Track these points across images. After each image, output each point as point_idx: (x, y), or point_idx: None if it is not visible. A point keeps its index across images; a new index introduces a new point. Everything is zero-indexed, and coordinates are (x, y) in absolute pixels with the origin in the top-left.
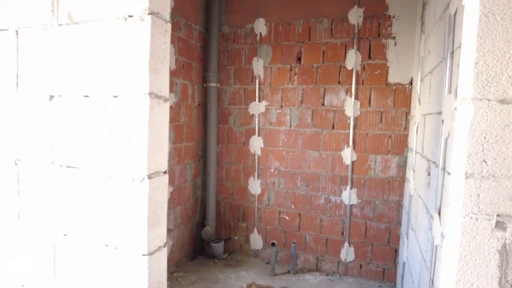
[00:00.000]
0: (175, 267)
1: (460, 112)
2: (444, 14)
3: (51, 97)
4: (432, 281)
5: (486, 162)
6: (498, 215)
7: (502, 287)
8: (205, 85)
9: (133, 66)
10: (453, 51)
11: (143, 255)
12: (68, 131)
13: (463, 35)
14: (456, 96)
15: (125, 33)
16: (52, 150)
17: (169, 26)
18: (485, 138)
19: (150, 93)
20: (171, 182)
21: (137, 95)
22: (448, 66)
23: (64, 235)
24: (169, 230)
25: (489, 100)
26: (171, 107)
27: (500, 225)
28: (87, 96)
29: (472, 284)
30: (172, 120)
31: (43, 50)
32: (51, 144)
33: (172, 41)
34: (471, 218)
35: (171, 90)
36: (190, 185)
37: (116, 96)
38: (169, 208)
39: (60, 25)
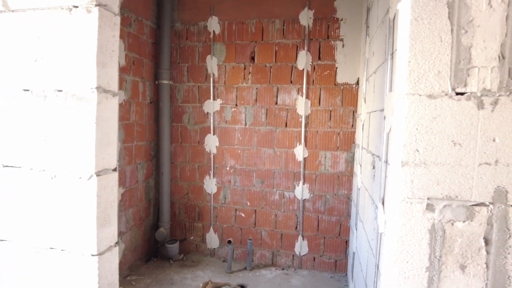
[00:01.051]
0: (129, 271)
1: (396, 106)
2: (385, 19)
3: None
4: (378, 267)
5: (418, 151)
6: (428, 198)
7: (431, 262)
8: (157, 82)
9: (80, 59)
10: (393, 53)
11: (93, 255)
12: (5, 128)
13: (398, 37)
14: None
15: (70, 24)
16: None
17: (118, 19)
18: (417, 129)
19: (97, 87)
20: (121, 183)
21: (84, 89)
22: (389, 67)
23: (2, 240)
24: (121, 233)
25: (420, 95)
26: (120, 105)
27: (430, 207)
28: (27, 90)
29: (407, 262)
30: (122, 118)
31: None
32: None
33: (121, 37)
34: (407, 203)
35: (120, 87)
36: (143, 186)
37: (60, 90)
38: (120, 211)
39: None
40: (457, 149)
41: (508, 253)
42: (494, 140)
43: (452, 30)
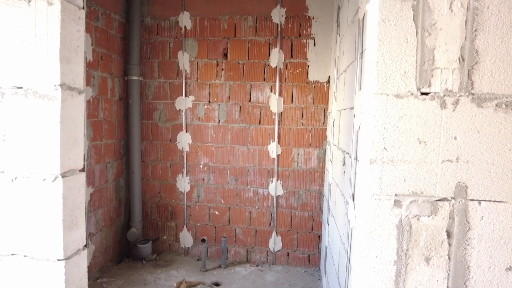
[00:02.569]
0: (100, 273)
1: (365, 105)
2: (354, 18)
3: None
4: (349, 261)
5: (386, 149)
6: (396, 195)
7: (399, 255)
8: (126, 79)
9: (42, 54)
10: (362, 52)
11: (59, 260)
12: None
13: (367, 37)
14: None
15: (30, 17)
16: None
17: (82, 13)
18: (385, 128)
19: (62, 85)
20: (90, 183)
21: (47, 87)
22: (358, 66)
23: None
24: (91, 234)
25: (387, 95)
26: (88, 102)
27: (397, 203)
28: None
29: (376, 257)
30: (89, 115)
31: None
32: None
33: (88, 31)
34: (375, 199)
35: (88, 83)
36: (113, 186)
37: (20, 87)
38: (89, 211)
39: None
40: (423, 147)
41: (468, 245)
42: (455, 138)
43: (417, 32)
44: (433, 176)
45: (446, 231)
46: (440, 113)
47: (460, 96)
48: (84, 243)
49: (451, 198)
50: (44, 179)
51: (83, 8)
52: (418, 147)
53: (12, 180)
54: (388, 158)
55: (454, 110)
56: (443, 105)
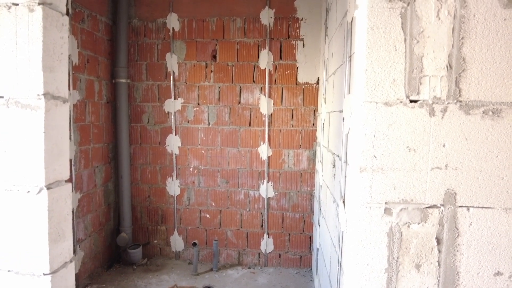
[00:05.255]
0: (89, 279)
1: (355, 113)
2: (343, 21)
3: None
4: (340, 264)
5: (376, 157)
6: (386, 203)
7: (390, 263)
8: (114, 81)
9: (23, 63)
10: (351, 55)
11: (45, 274)
12: None
13: (356, 44)
14: (353, 98)
15: (11, 24)
16: None
17: (66, 20)
18: (374, 136)
19: (45, 94)
20: (78, 188)
21: (29, 96)
22: (347, 69)
23: None
24: (79, 241)
25: (376, 103)
26: (75, 106)
27: (387, 211)
28: None
29: (368, 265)
30: (76, 119)
31: None
32: None
33: (74, 33)
34: (366, 207)
35: (74, 87)
36: (101, 190)
37: (1, 97)
38: (78, 217)
39: None
40: (412, 154)
41: (457, 251)
42: (444, 146)
43: (405, 39)
44: (423, 183)
45: (436, 238)
46: (429, 120)
47: (448, 103)
48: (72, 255)
49: (441, 205)
50: (28, 192)
51: (67, 14)
52: (408, 155)
53: None
54: (378, 166)
55: (442, 117)
56: (431, 113)
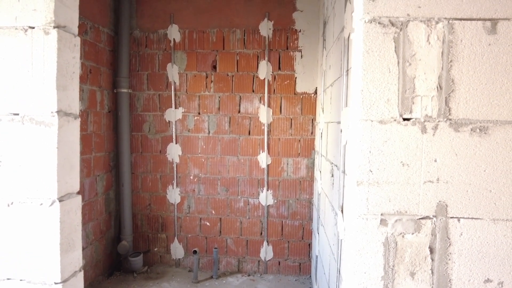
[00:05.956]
0: (90, 287)
1: (351, 129)
2: (340, 36)
3: None
4: (339, 271)
5: (371, 171)
6: (382, 214)
7: (386, 271)
8: (115, 91)
9: (38, 82)
10: (348, 70)
11: (56, 283)
12: None
13: (352, 63)
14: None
15: (26, 45)
16: None
17: (78, 40)
18: (370, 151)
19: (58, 111)
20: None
21: (44, 114)
22: (344, 83)
23: None
24: None
25: (372, 121)
26: None
27: (383, 222)
28: None
29: (365, 273)
30: (79, 129)
31: None
32: None
33: None
34: (363, 219)
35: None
36: (102, 199)
37: (16, 114)
38: None
39: None
40: (406, 169)
41: (449, 259)
42: (435, 161)
43: (398, 62)
44: (416, 196)
45: (429, 247)
46: (421, 137)
47: (439, 121)
48: (81, 264)
49: (433, 216)
50: (41, 204)
51: (78, 35)
52: (402, 169)
53: (8, 205)
54: (374, 180)
55: (434, 134)
56: (423, 130)
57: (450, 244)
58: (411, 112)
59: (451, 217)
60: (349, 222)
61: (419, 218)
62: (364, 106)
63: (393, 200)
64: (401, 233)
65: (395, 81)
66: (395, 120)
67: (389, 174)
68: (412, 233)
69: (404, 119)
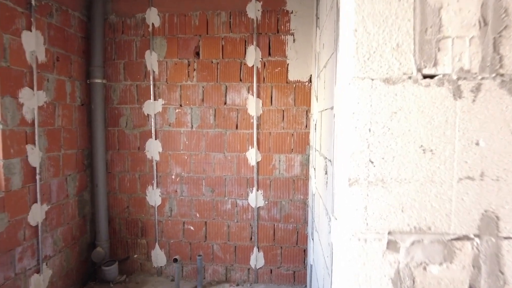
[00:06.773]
0: None
1: (341, 97)
2: (333, 4)
3: None
4: None
5: (372, 162)
6: (389, 233)
7: None
8: (88, 82)
9: None
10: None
11: None
12: None
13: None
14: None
15: None
16: None
17: None
18: (370, 130)
19: None
20: (45, 199)
21: None
22: (337, 56)
23: None
24: (46, 258)
25: (372, 79)
26: (41, 108)
27: (392, 245)
28: None
29: None
30: (43, 123)
31: None
32: None
33: (40, 28)
34: (359, 240)
35: (40, 87)
36: (75, 201)
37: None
38: (45, 231)
39: None
40: (428, 158)
41: None
42: (477, 144)
43: None
44: (446, 202)
45: (469, 287)
46: (453, 105)
47: (482, 78)
48: None
49: (475, 235)
50: None
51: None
52: (422, 159)
53: None
54: (377, 177)
55: (474, 100)
56: (457, 94)
57: (505, 283)
58: (435, 64)
59: (506, 238)
60: (338, 243)
61: (452, 239)
62: (359, 55)
63: (407, 209)
64: (421, 263)
65: (410, 14)
66: (410, 77)
67: (401, 167)
68: (440, 264)
69: (425, 76)
